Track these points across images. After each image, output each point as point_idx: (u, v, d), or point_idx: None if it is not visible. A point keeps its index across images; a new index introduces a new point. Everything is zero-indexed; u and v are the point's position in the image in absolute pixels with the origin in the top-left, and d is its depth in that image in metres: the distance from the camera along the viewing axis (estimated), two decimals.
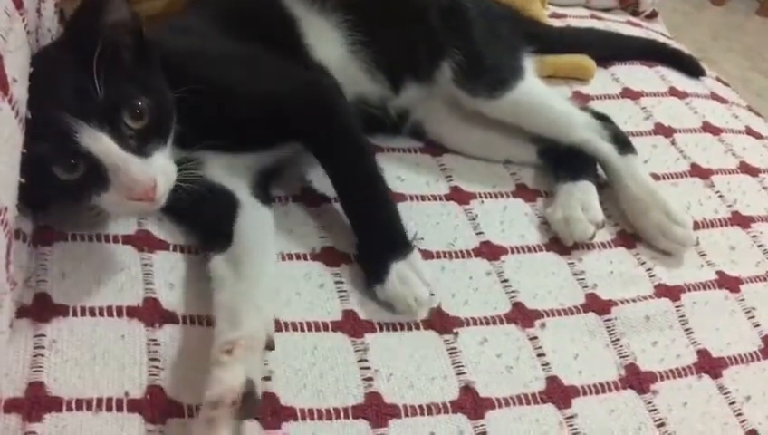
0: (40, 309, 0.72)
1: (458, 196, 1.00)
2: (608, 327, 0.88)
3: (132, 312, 0.75)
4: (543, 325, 0.87)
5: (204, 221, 0.84)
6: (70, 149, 0.68)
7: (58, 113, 0.68)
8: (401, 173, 1.01)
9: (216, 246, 0.81)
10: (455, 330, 0.83)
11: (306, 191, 0.95)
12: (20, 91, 0.67)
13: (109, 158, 0.69)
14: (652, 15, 1.64)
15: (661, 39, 1.48)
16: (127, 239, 0.82)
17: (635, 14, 1.61)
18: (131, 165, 0.69)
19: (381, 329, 0.82)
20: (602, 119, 1.08)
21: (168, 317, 0.77)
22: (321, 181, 0.95)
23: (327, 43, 0.97)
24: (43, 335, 0.70)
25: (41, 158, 0.68)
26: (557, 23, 1.40)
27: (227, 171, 0.86)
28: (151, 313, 0.76)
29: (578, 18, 1.49)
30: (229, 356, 0.67)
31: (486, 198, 1.01)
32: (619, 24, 1.52)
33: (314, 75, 0.94)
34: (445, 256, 0.92)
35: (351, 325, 0.81)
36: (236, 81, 0.84)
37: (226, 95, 0.80)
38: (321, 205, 0.94)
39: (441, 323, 0.83)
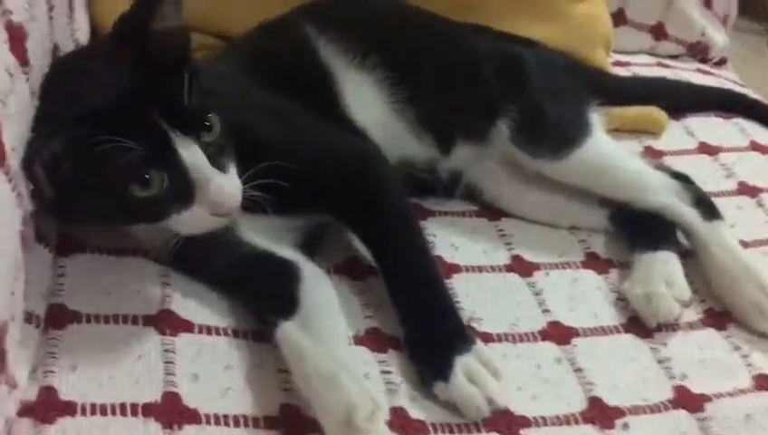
0: (45, 407, 0.64)
1: (520, 266, 0.90)
2: (702, 428, 0.74)
3: (149, 410, 0.66)
4: (626, 426, 0.74)
5: (262, 286, 0.76)
6: (164, 158, 0.63)
7: (149, 117, 0.62)
8: (455, 240, 0.92)
9: (281, 311, 0.73)
10: (522, 432, 0.71)
11: (350, 262, 0.86)
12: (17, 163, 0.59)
13: (199, 170, 0.65)
14: (721, 62, 1.52)
15: (736, 88, 1.36)
16: (148, 320, 0.73)
17: (703, 60, 1.49)
18: (220, 178, 0.66)
19: (436, 431, 0.70)
20: (681, 179, 0.96)
21: (190, 416, 0.66)
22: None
23: (367, 102, 0.90)
24: None
25: (116, 172, 0.62)
26: (621, 71, 1.31)
27: (269, 234, 0.79)
28: (170, 412, 0.66)
29: (643, 66, 1.38)
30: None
31: (552, 269, 0.91)
32: (688, 71, 1.40)
33: (355, 139, 0.85)
34: (507, 340, 0.81)
35: (401, 426, 0.69)
36: (267, 134, 0.78)
37: (255, 148, 0.73)
38: (367, 278, 0.84)
39: (506, 424, 0.71)
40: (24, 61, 0.61)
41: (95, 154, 0.61)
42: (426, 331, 0.75)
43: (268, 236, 0.79)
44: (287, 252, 0.79)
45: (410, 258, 0.78)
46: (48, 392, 0.64)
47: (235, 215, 0.69)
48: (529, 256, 0.91)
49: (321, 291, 0.77)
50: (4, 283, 0.56)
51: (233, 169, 0.69)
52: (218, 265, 0.76)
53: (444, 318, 0.75)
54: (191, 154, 0.65)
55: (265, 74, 0.85)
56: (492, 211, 0.98)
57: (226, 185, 0.66)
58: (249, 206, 0.72)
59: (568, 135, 0.93)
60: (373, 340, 0.77)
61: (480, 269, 0.89)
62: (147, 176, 0.64)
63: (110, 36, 0.71)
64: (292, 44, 0.90)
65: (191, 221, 0.67)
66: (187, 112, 0.65)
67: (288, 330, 0.71)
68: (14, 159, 0.58)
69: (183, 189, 0.65)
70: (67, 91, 0.67)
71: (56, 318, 0.70)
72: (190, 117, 0.65)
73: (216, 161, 0.67)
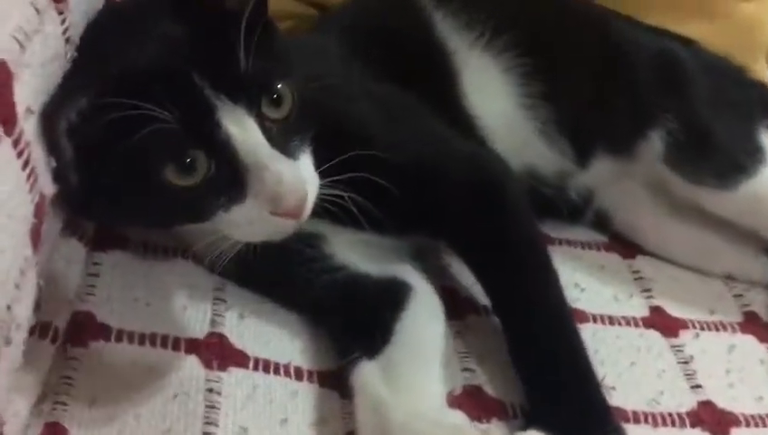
0: None
1: (662, 322, 0.74)
2: None
3: None
4: None
5: (349, 312, 0.64)
6: (204, 134, 0.48)
7: (187, 80, 0.48)
8: (579, 279, 0.77)
9: (366, 346, 0.60)
10: None
11: (446, 293, 0.69)
12: (35, 130, 0.43)
13: (254, 152, 0.50)
14: None
15: None
16: (192, 346, 0.59)
17: None
18: (281, 165, 0.50)
19: None
20: None
21: None
22: (464, 276, 0.71)
23: (490, 92, 0.76)
24: None
25: (146, 151, 0.47)
26: None
27: (366, 250, 0.66)
28: None
29: None
30: None
31: (703, 329, 0.75)
32: None
33: (473, 145, 0.70)
34: (646, 421, 0.64)
35: None
36: (362, 126, 0.64)
37: (344, 141, 0.59)
38: (467, 317, 0.69)
39: None
40: None
41: (119, 126, 0.45)
42: (556, 405, 0.59)
43: (364, 252, 0.65)
44: (393, 269, 0.66)
45: (541, 306, 0.63)
46: (54, 432, 0.52)
47: (304, 218, 0.53)
48: (673, 310, 0.76)
49: (424, 325, 0.64)
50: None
51: (306, 158, 0.54)
52: (294, 283, 0.64)
53: (582, 391, 0.60)
54: (242, 130, 0.49)
55: (367, 53, 0.71)
56: (625, 245, 0.83)
57: (288, 173, 0.50)
58: (340, 217, 0.58)
59: (738, 160, 0.77)
60: (473, 402, 0.62)
61: (611, 320, 0.73)
62: (187, 158, 0.48)
63: None
64: (402, 18, 0.78)
65: (245, 222, 0.52)
66: (242, 77, 0.50)
67: (367, 373, 0.59)
68: (30, 125, 0.43)
69: (232, 177, 0.50)
70: (103, 43, 0.51)
71: (79, 331, 0.58)
72: (247, 83, 0.50)
73: (283, 144, 0.52)
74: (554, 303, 0.62)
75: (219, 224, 0.52)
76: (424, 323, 0.63)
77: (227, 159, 0.49)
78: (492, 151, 0.72)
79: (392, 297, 0.63)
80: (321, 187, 0.54)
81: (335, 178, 0.55)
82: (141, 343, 0.58)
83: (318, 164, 0.55)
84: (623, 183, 0.82)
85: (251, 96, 0.50)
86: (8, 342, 0.44)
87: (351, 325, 0.62)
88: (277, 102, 0.52)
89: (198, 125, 0.48)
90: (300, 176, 0.51)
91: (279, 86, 0.52)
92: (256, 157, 0.50)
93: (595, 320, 0.72)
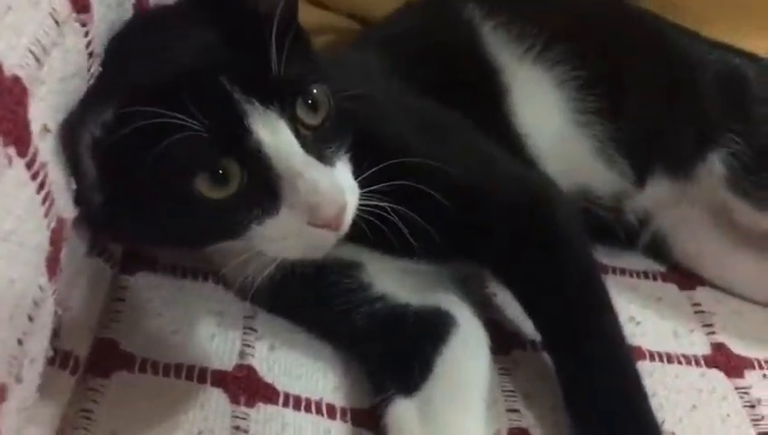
0: None
1: (726, 362, 0.68)
2: None
3: None
4: None
5: (386, 345, 0.59)
6: (234, 141, 0.45)
7: (216, 84, 0.45)
8: (635, 311, 0.71)
9: (403, 382, 0.57)
10: None
11: (490, 326, 0.64)
12: (53, 149, 0.40)
13: (286, 158, 0.47)
14: None
15: None
16: (218, 378, 0.56)
17: None
18: (317, 172, 0.47)
19: None
20: None
21: None
22: (511, 308, 0.66)
23: (542, 108, 0.71)
24: None
25: (174, 161, 0.44)
26: None
27: (408, 278, 0.62)
28: None
29: None
30: None
31: None
32: None
33: (522, 167, 0.66)
34: None
35: None
36: (404, 144, 0.59)
37: (384, 154, 0.54)
38: (513, 353, 0.64)
39: None
40: (82, 5, 0.42)
41: (146, 136, 0.42)
42: None
43: (404, 281, 0.61)
44: (434, 299, 0.62)
45: (598, 344, 0.57)
46: None
47: (345, 230, 0.49)
48: (737, 347, 0.70)
49: (466, 361, 0.59)
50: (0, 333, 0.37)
51: (343, 166, 0.51)
52: (329, 313, 0.60)
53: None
54: (274, 135, 0.46)
55: (409, 69, 0.67)
56: (684, 276, 0.78)
57: (324, 181, 0.47)
58: (378, 242, 0.54)
59: None
60: None
61: (669, 358, 0.68)
62: (218, 168, 0.45)
63: None
64: (448, 30, 0.74)
65: (279, 236, 0.48)
66: (274, 80, 0.47)
67: (403, 413, 0.55)
68: (46, 145, 0.40)
69: (266, 188, 0.47)
70: (129, 53, 0.48)
71: (101, 360, 0.55)
72: (279, 86, 0.47)
73: (318, 151, 0.49)
74: (612, 339, 0.57)
75: (253, 240, 0.48)
76: (466, 358, 0.59)
77: (259, 167, 0.46)
78: (543, 175, 0.67)
79: (433, 330, 0.59)
80: (362, 197, 0.51)
81: (375, 187, 0.51)
82: (166, 373, 0.55)
83: (356, 174, 0.52)
84: (682, 208, 0.76)
85: (283, 99, 0.47)
86: (19, 380, 0.40)
87: (388, 359, 0.58)
88: (313, 107, 0.49)
89: (229, 132, 0.45)
90: (337, 183, 0.48)
91: (314, 90, 0.50)
92: (289, 163, 0.46)
93: (652, 357, 0.66)
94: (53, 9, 0.40)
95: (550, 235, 0.59)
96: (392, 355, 0.58)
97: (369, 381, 0.59)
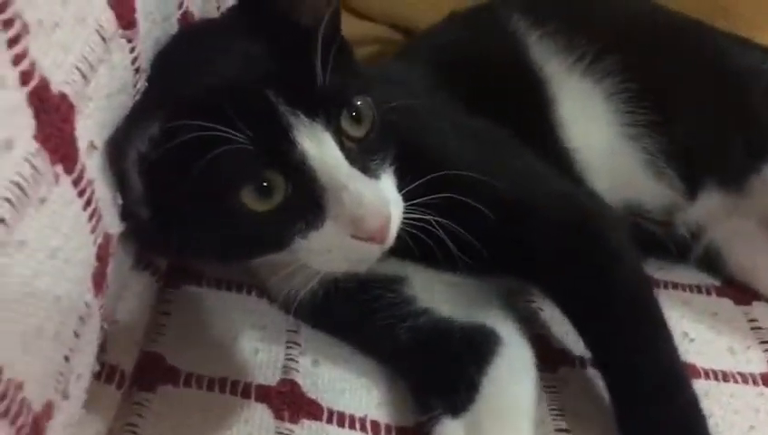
0: None
1: None
2: None
3: None
4: None
5: (432, 364, 0.58)
6: (279, 153, 0.45)
7: (262, 97, 0.45)
8: (688, 327, 0.69)
9: (450, 402, 0.56)
10: None
11: (536, 342, 0.62)
12: (99, 165, 0.40)
13: (331, 171, 0.46)
14: None
15: None
16: (262, 393, 0.55)
17: None
18: (362, 184, 0.47)
19: None
20: None
21: None
22: (558, 324, 0.65)
23: (590, 120, 0.70)
24: None
25: (220, 174, 0.44)
26: None
27: (455, 294, 0.61)
28: None
29: None
30: None
31: None
32: None
33: (570, 184, 0.64)
34: None
35: None
36: (449, 158, 0.58)
37: (428, 168, 0.53)
38: (561, 370, 0.63)
39: None
40: (128, 22, 0.43)
41: (192, 150, 0.42)
42: None
43: (449, 295, 0.60)
44: (479, 315, 0.61)
45: (652, 361, 0.55)
46: None
47: (390, 244, 0.49)
48: None
49: (513, 380, 0.58)
50: (46, 351, 0.37)
51: (388, 179, 0.51)
52: (372, 328, 0.59)
53: None
54: (319, 147, 0.46)
55: (454, 82, 0.67)
56: (740, 290, 0.75)
57: (369, 193, 0.47)
58: (423, 255, 0.53)
59: None
60: None
61: (725, 377, 0.65)
62: (263, 181, 0.45)
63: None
64: (493, 41, 0.73)
65: (324, 249, 0.48)
66: (320, 92, 0.47)
67: (450, 434, 0.54)
68: (93, 161, 0.40)
69: (310, 200, 0.47)
70: (174, 67, 0.48)
71: (147, 374, 0.55)
72: (324, 98, 0.47)
73: (363, 163, 0.49)
74: (666, 357, 0.55)
75: (297, 253, 0.48)
76: (513, 377, 0.57)
77: (304, 179, 0.46)
78: (591, 191, 0.66)
79: (478, 348, 0.58)
80: (406, 210, 0.50)
81: (419, 200, 0.51)
82: (210, 388, 0.55)
83: (400, 187, 0.51)
84: (736, 221, 0.74)
85: (328, 112, 0.47)
86: (66, 396, 0.40)
87: (432, 376, 0.57)
88: (357, 119, 0.49)
89: (273, 144, 0.45)
90: (382, 196, 0.48)
91: (359, 102, 0.49)
92: (334, 176, 0.46)
93: (707, 376, 0.64)
94: (100, 26, 0.40)
95: (599, 252, 0.58)
96: (437, 372, 0.57)
97: (413, 398, 0.58)
